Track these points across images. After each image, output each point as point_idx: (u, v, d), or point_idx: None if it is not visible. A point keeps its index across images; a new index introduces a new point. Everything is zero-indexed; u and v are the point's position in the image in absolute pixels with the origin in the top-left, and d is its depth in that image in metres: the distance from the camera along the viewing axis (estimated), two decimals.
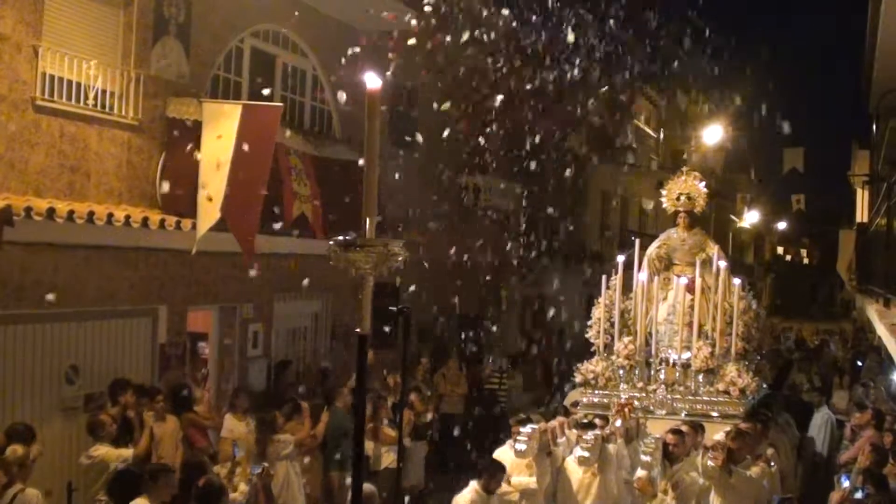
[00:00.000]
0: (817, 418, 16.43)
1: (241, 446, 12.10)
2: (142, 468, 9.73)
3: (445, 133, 19.31)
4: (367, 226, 4.32)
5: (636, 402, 12.64)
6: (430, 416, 15.86)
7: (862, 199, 33.79)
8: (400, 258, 4.36)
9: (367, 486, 8.79)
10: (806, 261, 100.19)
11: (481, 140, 23.72)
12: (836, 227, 56.49)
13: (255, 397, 14.02)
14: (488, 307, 24.86)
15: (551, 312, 27.57)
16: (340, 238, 4.32)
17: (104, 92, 12.66)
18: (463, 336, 23.14)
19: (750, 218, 63.14)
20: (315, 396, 14.50)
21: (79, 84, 12.25)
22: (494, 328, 24.93)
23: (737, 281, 13.63)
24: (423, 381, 17.44)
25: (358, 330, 4.45)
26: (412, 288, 16.73)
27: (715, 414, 12.62)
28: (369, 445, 13.84)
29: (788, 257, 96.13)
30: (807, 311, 71.47)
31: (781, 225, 78.76)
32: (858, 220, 33.45)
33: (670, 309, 13.68)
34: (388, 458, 13.47)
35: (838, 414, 17.36)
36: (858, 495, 9.95)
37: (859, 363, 24.97)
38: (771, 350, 28.41)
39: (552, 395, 18.43)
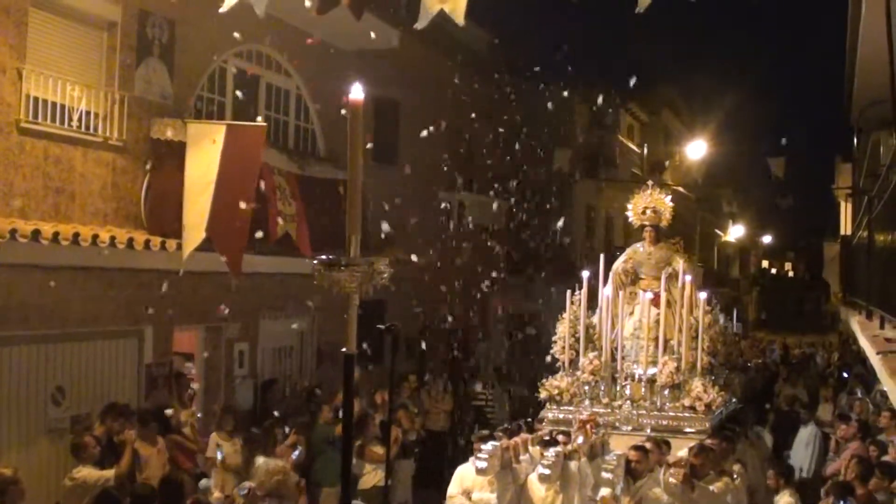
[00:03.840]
0: (804, 434, 16.47)
1: (224, 452, 12.24)
2: (124, 490, 9.72)
3: (430, 150, 19.40)
4: (352, 244, 4.28)
5: (601, 419, 12.50)
6: (416, 434, 15.87)
7: (845, 211, 33.98)
8: (385, 276, 4.33)
9: None
10: (791, 273, 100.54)
11: (466, 157, 23.82)
12: (821, 240, 56.80)
13: (242, 417, 14.01)
14: (474, 323, 24.88)
15: (537, 328, 27.63)
16: (325, 257, 4.28)
17: (88, 113, 12.70)
18: (449, 353, 23.15)
19: (735, 232, 63.36)
20: (302, 415, 14.50)
21: (63, 106, 12.28)
22: (481, 344, 24.96)
23: (702, 295, 13.57)
24: (410, 399, 17.44)
25: (344, 350, 4.46)
26: (398, 305, 16.80)
27: (681, 429, 12.52)
28: (356, 463, 13.86)
29: (774, 270, 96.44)
30: (793, 324, 71.62)
31: (766, 238, 79.02)
32: (843, 232, 33.60)
33: (636, 324, 13.60)
34: (376, 477, 13.46)
35: (823, 426, 17.42)
36: None
37: (845, 374, 25.06)
38: (758, 363, 28.61)
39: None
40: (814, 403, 20.15)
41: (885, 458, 12.40)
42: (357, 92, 4.28)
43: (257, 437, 12.96)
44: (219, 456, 11.56)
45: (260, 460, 12.13)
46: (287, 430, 13.34)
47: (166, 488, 10.05)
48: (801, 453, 16.31)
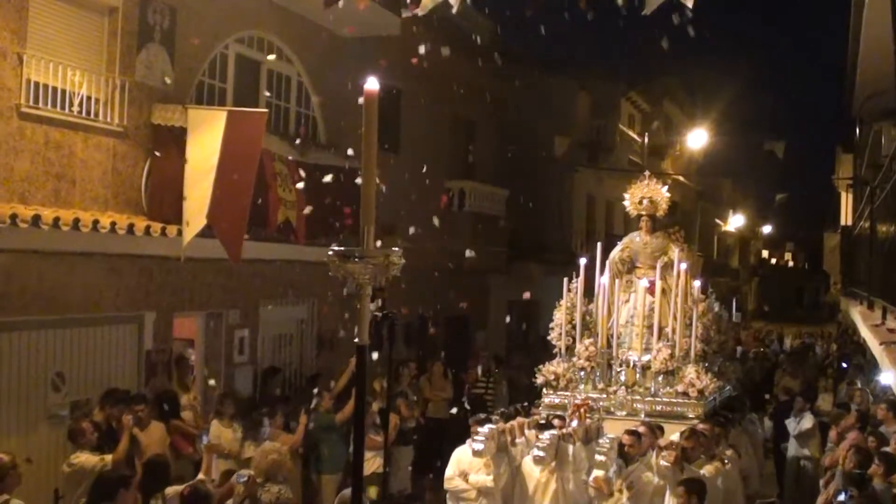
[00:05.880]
0: (794, 424, 16.53)
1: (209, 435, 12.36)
2: (121, 473, 9.71)
3: (432, 138, 19.32)
4: (366, 235, 4.28)
5: (597, 404, 12.79)
6: (415, 422, 15.88)
7: (846, 202, 33.98)
8: (397, 268, 4.36)
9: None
10: (791, 264, 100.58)
11: (467, 144, 23.75)
12: (821, 231, 56.80)
13: (242, 404, 14.01)
14: (474, 311, 24.87)
15: (536, 316, 27.59)
16: (340, 248, 4.29)
17: (89, 99, 12.65)
18: (449, 340, 23.12)
19: (735, 222, 63.33)
20: (302, 402, 14.50)
21: (63, 91, 12.24)
22: (481, 332, 24.95)
23: (696, 284, 13.79)
24: (410, 387, 17.43)
25: (356, 340, 4.45)
26: (398, 293, 16.71)
27: (675, 415, 12.76)
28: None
29: (774, 260, 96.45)
30: (793, 314, 71.72)
31: (766, 228, 79.00)
32: (843, 223, 33.61)
33: (632, 311, 13.86)
34: (374, 464, 13.47)
35: (822, 416, 17.45)
36: (842, 498, 9.99)
37: (844, 365, 25.09)
38: (757, 353, 28.65)
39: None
40: (812, 393, 20.19)
41: (885, 448, 12.40)
42: (372, 83, 4.30)
43: (255, 422, 13.02)
44: (203, 440, 11.57)
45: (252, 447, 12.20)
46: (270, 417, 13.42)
47: (150, 470, 10.04)
48: (797, 442, 16.37)
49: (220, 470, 11.98)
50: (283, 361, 17.24)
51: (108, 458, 10.48)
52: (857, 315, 14.82)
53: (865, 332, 12.35)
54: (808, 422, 16.55)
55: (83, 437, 10.63)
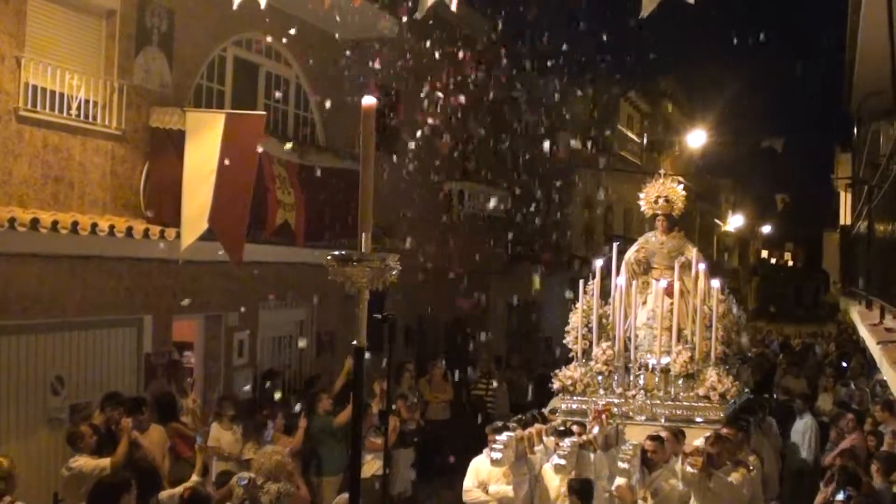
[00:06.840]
0: (799, 425, 16.50)
1: (219, 446, 12.53)
2: (123, 476, 9.70)
3: (430, 139, 19.32)
4: (363, 240, 4.41)
5: (615, 409, 12.46)
6: (415, 424, 15.87)
7: (845, 201, 33.94)
8: (395, 272, 4.48)
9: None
10: (790, 263, 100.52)
11: (465, 145, 23.73)
12: (820, 230, 56.77)
13: (242, 406, 14.00)
14: (474, 313, 24.85)
15: (536, 317, 27.60)
16: (338, 253, 4.41)
17: (87, 102, 12.64)
18: (448, 342, 23.12)
19: (734, 222, 63.33)
20: (300, 403, 14.50)
21: (62, 94, 12.23)
22: (480, 334, 24.94)
23: (716, 283, 13.44)
24: (409, 389, 17.43)
25: (354, 342, 4.54)
26: (396, 294, 16.74)
27: (696, 419, 12.48)
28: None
29: (773, 260, 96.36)
30: (792, 314, 71.64)
31: (766, 228, 78.99)
32: (842, 222, 33.58)
33: (649, 313, 13.51)
34: (374, 466, 13.47)
35: (823, 416, 17.41)
36: (840, 497, 9.98)
37: (844, 364, 25.05)
38: (757, 354, 28.60)
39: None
40: (813, 393, 20.15)
41: (884, 448, 12.41)
42: (369, 99, 4.45)
43: (258, 424, 13.00)
44: (198, 440, 11.58)
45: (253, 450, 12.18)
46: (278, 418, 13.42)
47: (141, 476, 10.04)
48: (800, 443, 16.34)
49: (218, 472, 12.00)
50: (283, 363, 17.22)
51: (107, 462, 10.47)
52: (856, 314, 14.81)
53: (864, 332, 12.33)
54: (806, 423, 16.53)
55: (82, 440, 10.61)
